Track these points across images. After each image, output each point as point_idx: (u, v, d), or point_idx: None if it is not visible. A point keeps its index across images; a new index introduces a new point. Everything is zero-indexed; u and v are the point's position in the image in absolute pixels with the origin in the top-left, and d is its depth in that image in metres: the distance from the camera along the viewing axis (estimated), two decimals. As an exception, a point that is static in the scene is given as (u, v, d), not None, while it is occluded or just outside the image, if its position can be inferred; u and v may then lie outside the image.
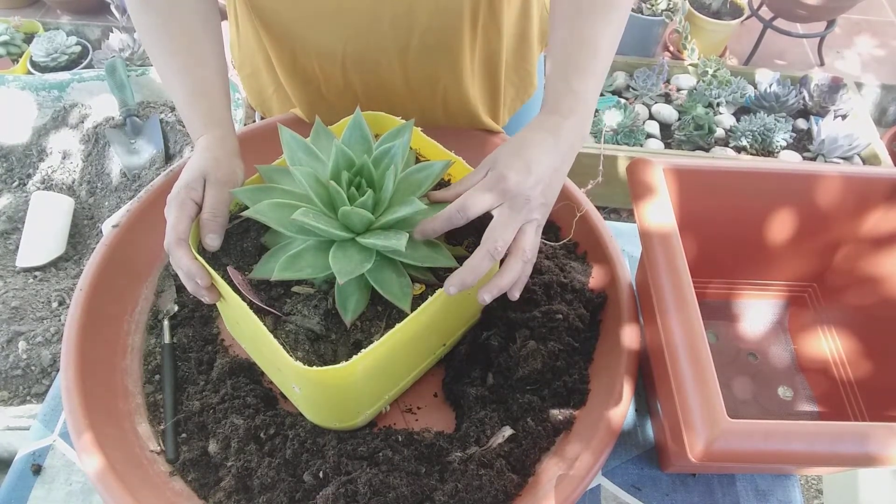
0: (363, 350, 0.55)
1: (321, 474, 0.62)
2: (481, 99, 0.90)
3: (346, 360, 0.54)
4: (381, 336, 0.57)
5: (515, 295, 0.61)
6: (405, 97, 0.85)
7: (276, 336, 0.57)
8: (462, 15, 0.75)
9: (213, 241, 0.62)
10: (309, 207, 0.59)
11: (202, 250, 0.62)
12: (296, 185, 0.63)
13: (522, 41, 0.88)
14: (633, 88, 2.22)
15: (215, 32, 0.74)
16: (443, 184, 0.73)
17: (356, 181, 0.61)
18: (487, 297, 0.59)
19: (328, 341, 0.61)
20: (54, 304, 1.24)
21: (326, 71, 0.83)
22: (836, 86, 2.14)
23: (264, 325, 0.57)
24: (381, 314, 0.63)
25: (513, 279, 0.59)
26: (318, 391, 0.60)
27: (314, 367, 0.54)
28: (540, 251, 0.79)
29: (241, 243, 0.65)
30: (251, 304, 0.59)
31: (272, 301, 0.63)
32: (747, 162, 0.74)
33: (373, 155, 0.62)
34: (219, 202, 0.62)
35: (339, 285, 0.61)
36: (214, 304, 0.78)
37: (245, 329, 0.65)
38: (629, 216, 2.18)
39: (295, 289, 0.64)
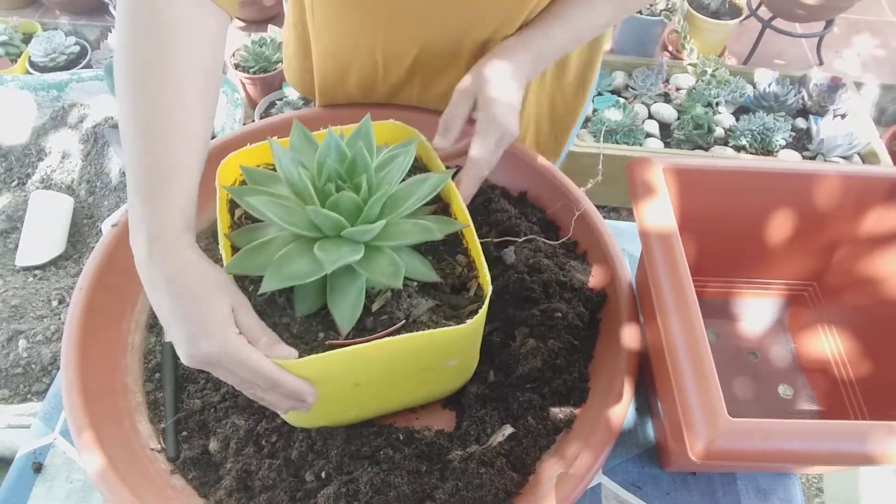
0: (310, 357, 0.53)
1: (323, 474, 0.62)
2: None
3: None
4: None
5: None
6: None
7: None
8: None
9: (290, 353, 0.54)
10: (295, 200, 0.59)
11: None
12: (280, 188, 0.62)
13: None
14: (632, 88, 2.23)
15: (213, 80, 0.58)
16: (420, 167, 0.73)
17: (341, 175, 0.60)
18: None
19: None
20: (54, 303, 1.24)
21: (391, 66, 0.83)
22: (835, 85, 2.14)
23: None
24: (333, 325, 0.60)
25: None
26: None
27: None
28: (539, 250, 0.80)
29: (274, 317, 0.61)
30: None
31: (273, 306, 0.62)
32: (747, 161, 0.74)
33: (355, 153, 0.61)
34: (258, 325, 0.54)
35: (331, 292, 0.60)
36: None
37: (371, 376, 0.60)
38: (629, 215, 2.18)
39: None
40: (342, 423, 0.66)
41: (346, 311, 0.59)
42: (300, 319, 0.60)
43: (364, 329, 0.59)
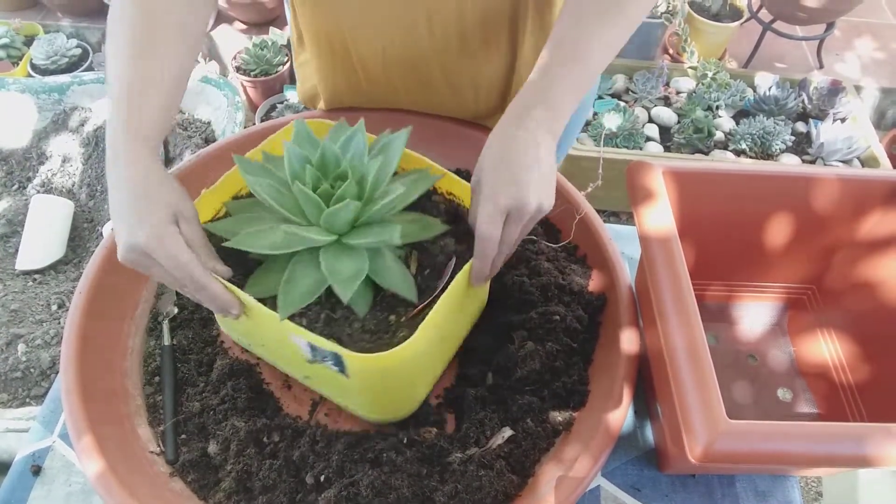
0: (421, 325, 0.55)
1: (323, 477, 0.62)
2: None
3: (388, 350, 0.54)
4: (405, 321, 0.59)
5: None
6: (444, 93, 0.86)
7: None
8: (504, 23, 0.78)
9: (224, 271, 0.59)
10: (287, 223, 0.59)
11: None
12: (266, 210, 0.63)
13: None
14: (632, 91, 2.23)
15: (191, 32, 0.65)
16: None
17: (332, 177, 0.61)
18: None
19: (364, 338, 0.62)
20: (54, 307, 1.24)
21: (368, 65, 0.84)
22: (835, 89, 2.14)
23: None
24: (392, 305, 0.63)
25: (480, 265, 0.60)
26: (378, 380, 0.60)
27: (376, 353, 0.54)
28: (541, 252, 0.80)
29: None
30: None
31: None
32: (747, 165, 0.75)
33: (339, 144, 0.62)
34: (200, 237, 0.59)
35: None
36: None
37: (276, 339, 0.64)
38: (629, 219, 2.18)
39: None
40: (429, 384, 0.70)
41: (403, 286, 0.61)
42: (366, 317, 0.62)
43: (423, 290, 0.62)
